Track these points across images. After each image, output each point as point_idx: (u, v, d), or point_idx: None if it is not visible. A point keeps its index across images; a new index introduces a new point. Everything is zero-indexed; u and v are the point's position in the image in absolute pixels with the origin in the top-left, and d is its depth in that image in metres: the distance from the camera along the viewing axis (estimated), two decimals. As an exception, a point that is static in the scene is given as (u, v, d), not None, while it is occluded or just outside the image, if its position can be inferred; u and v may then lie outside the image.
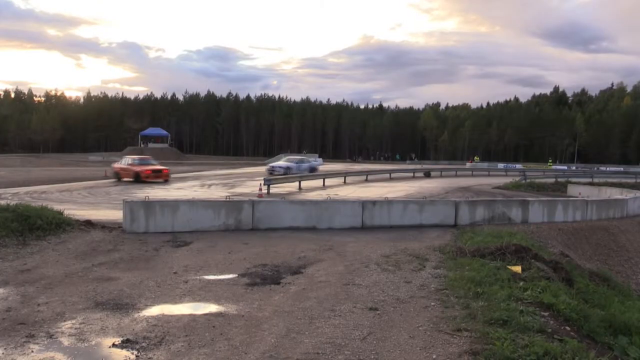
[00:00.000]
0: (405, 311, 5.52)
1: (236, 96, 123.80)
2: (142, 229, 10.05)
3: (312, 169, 31.23)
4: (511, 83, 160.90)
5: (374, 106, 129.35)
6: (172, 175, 31.36)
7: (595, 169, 52.52)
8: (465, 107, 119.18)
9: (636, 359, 5.30)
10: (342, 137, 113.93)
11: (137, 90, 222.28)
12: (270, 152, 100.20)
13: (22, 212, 9.32)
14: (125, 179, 24.09)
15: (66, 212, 10.33)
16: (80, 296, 5.83)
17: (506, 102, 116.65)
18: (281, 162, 32.06)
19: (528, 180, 31.75)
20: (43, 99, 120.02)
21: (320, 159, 62.79)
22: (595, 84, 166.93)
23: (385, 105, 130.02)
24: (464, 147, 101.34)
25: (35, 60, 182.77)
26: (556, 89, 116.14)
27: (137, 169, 24.00)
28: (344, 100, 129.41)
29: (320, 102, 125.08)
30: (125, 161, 25.65)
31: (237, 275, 7.01)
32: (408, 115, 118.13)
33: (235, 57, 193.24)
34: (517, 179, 32.83)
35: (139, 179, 23.35)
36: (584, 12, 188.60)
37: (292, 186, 22.54)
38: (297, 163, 31.15)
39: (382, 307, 5.62)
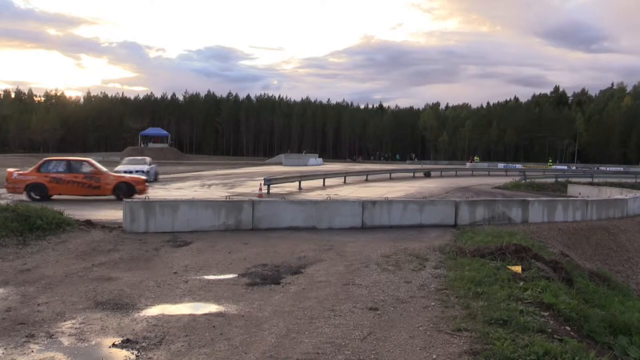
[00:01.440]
0: (405, 311, 5.52)
1: (236, 96, 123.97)
2: (142, 229, 10.05)
3: (156, 174, 25.63)
4: (512, 83, 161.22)
5: (374, 106, 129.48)
6: (173, 175, 31.42)
7: (595, 169, 52.60)
8: (465, 107, 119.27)
9: (636, 359, 5.30)
10: (342, 137, 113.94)
11: (137, 90, 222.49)
12: (270, 152, 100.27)
13: (22, 212, 9.33)
14: (69, 195, 15.02)
15: (66, 212, 10.33)
16: (80, 296, 5.83)
17: (506, 102, 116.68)
18: (128, 165, 23.82)
19: (528, 180, 31.81)
20: (43, 99, 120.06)
21: (320, 159, 62.91)
22: (596, 84, 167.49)
23: (385, 105, 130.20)
24: (464, 147, 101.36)
25: (35, 60, 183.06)
26: (556, 89, 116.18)
27: (126, 177, 16.16)
28: (344, 100, 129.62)
29: (320, 102, 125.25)
30: (64, 167, 15.27)
31: (237, 275, 7.01)
32: (408, 115, 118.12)
33: (236, 57, 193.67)
34: (517, 179, 32.88)
35: (129, 193, 14.78)
36: (585, 11, 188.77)
37: (292, 186, 22.56)
38: (148, 165, 24.96)
39: (382, 307, 5.62)
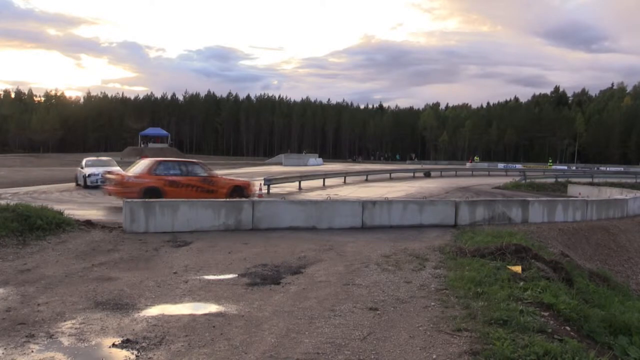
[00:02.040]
0: (406, 311, 5.52)
1: (236, 96, 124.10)
2: (142, 229, 10.04)
3: None
4: (512, 83, 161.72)
5: (374, 106, 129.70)
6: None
7: (595, 169, 52.63)
8: (465, 107, 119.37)
9: (636, 359, 5.30)
10: (342, 137, 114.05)
11: (137, 90, 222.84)
12: (270, 152, 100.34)
13: (22, 212, 9.31)
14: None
15: (66, 212, 10.32)
16: (80, 296, 5.82)
17: (506, 102, 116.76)
18: (94, 168, 20.49)
19: (528, 180, 31.81)
20: (43, 99, 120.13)
21: (320, 159, 62.95)
22: (596, 83, 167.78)
23: (385, 105, 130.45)
24: (464, 147, 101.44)
25: (35, 60, 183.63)
26: (556, 89, 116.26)
27: (237, 181, 15.26)
28: (344, 100, 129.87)
29: (320, 102, 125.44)
30: (178, 169, 14.23)
31: (237, 275, 7.00)
32: (408, 115, 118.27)
33: (236, 57, 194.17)
34: (517, 179, 32.89)
35: (240, 197, 13.40)
36: (585, 11, 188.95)
37: (292, 186, 22.56)
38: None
39: (382, 307, 5.62)
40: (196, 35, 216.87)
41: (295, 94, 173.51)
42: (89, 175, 19.90)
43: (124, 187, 13.29)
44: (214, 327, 4.89)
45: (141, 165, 14.47)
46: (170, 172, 13.98)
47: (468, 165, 59.36)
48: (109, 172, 15.90)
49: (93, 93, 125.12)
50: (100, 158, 23.87)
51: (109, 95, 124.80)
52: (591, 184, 30.80)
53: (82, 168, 20.88)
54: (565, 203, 15.43)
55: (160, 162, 14.45)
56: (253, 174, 32.87)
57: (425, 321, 5.16)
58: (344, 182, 27.67)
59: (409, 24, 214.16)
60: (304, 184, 23.02)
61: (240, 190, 14.49)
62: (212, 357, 4.20)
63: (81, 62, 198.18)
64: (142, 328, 4.82)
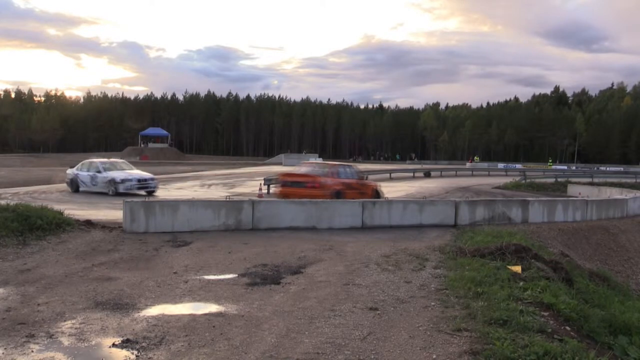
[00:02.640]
0: (406, 311, 5.52)
1: (236, 96, 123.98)
2: (142, 229, 10.03)
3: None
4: (512, 83, 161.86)
5: (374, 106, 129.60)
6: (172, 175, 31.39)
7: (595, 169, 52.64)
8: (465, 107, 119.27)
9: (636, 359, 5.30)
10: (342, 137, 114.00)
11: (137, 90, 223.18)
12: (270, 152, 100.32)
13: (22, 212, 9.31)
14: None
15: (66, 212, 10.32)
16: (80, 296, 5.82)
17: (506, 102, 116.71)
18: (117, 173, 17.85)
19: (528, 180, 31.84)
20: (43, 99, 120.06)
21: (321, 159, 62.91)
22: (596, 83, 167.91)
23: (385, 105, 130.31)
24: (464, 147, 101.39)
25: (35, 60, 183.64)
26: (556, 89, 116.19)
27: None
28: (344, 100, 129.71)
29: (321, 102, 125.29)
30: (346, 172, 15.33)
31: (237, 275, 7.00)
32: (408, 115, 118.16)
33: (236, 56, 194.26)
34: (517, 179, 32.91)
35: (377, 196, 15.10)
36: (586, 11, 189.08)
37: (292, 186, 22.47)
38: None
39: (382, 307, 5.62)
40: (196, 35, 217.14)
41: (295, 94, 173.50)
42: (123, 181, 17.21)
43: (322, 190, 13.88)
44: (214, 327, 4.89)
45: (318, 167, 15.50)
46: (342, 175, 15.04)
47: (468, 165, 59.37)
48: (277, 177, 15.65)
49: (93, 93, 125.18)
50: (115, 160, 20.23)
51: (109, 95, 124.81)
52: (591, 184, 30.84)
53: (99, 172, 17.81)
54: (565, 203, 15.43)
55: (339, 166, 15.74)
56: (253, 174, 32.88)
57: (425, 321, 5.16)
58: (344, 182, 27.61)
59: (409, 24, 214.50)
60: (304, 184, 22.94)
61: (377, 192, 15.66)
62: (212, 357, 4.21)
63: (81, 62, 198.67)
64: (142, 328, 4.83)
